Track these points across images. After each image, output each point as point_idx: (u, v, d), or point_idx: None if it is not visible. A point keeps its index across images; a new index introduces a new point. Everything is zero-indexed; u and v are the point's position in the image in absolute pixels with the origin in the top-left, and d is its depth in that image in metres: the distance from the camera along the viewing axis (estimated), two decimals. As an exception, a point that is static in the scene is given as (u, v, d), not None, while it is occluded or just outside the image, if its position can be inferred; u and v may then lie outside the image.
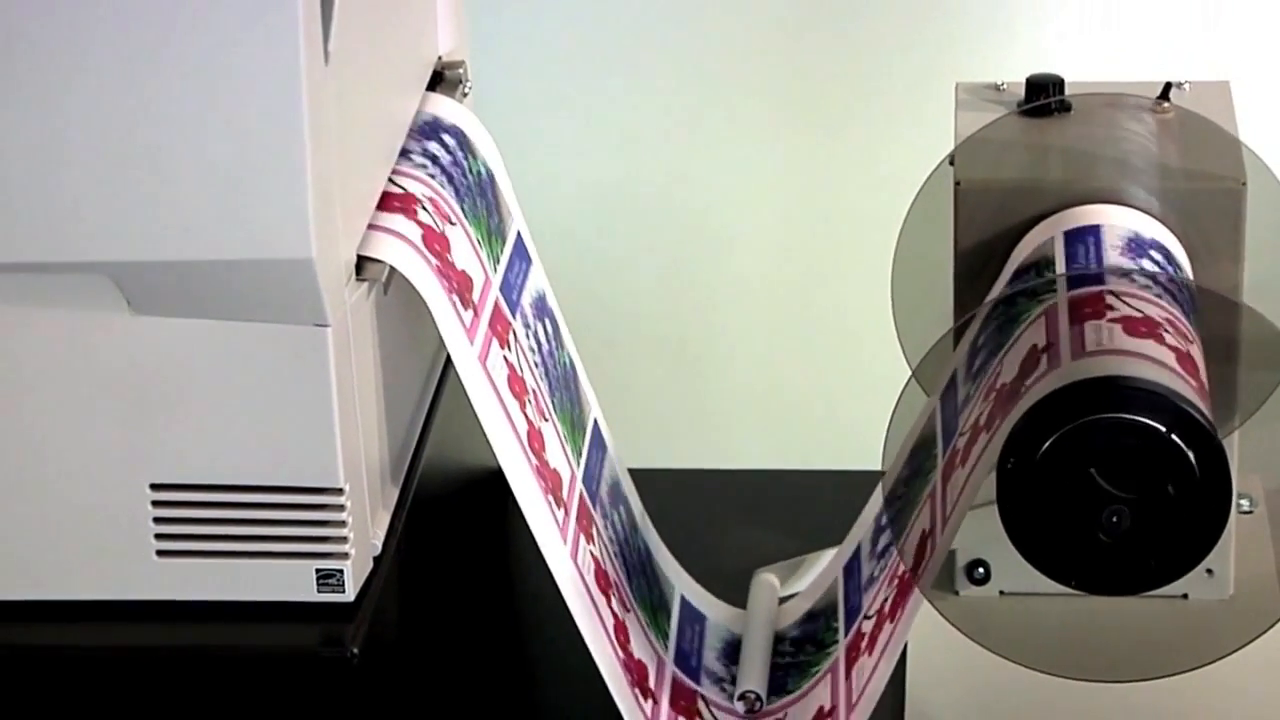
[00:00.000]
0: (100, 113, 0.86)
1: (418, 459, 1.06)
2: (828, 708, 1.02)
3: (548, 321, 1.13)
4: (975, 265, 1.03)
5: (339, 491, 0.92)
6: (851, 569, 1.09)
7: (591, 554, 1.05)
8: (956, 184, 1.02)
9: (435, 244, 1.01)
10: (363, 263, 0.95)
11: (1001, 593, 1.02)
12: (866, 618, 1.04)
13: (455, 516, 1.14)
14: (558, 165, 1.38)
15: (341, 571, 0.94)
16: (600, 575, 1.04)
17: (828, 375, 1.46)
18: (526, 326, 1.09)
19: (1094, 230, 1.00)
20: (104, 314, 0.90)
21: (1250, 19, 1.36)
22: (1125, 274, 0.96)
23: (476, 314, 1.03)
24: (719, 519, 1.23)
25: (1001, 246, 1.03)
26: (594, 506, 1.09)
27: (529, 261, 1.12)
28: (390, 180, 1.03)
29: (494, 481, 1.02)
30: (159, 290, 0.90)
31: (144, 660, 0.93)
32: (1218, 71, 1.17)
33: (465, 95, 1.15)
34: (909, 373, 1.01)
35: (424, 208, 1.02)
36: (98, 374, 0.92)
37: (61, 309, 0.91)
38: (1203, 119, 1.05)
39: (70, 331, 0.91)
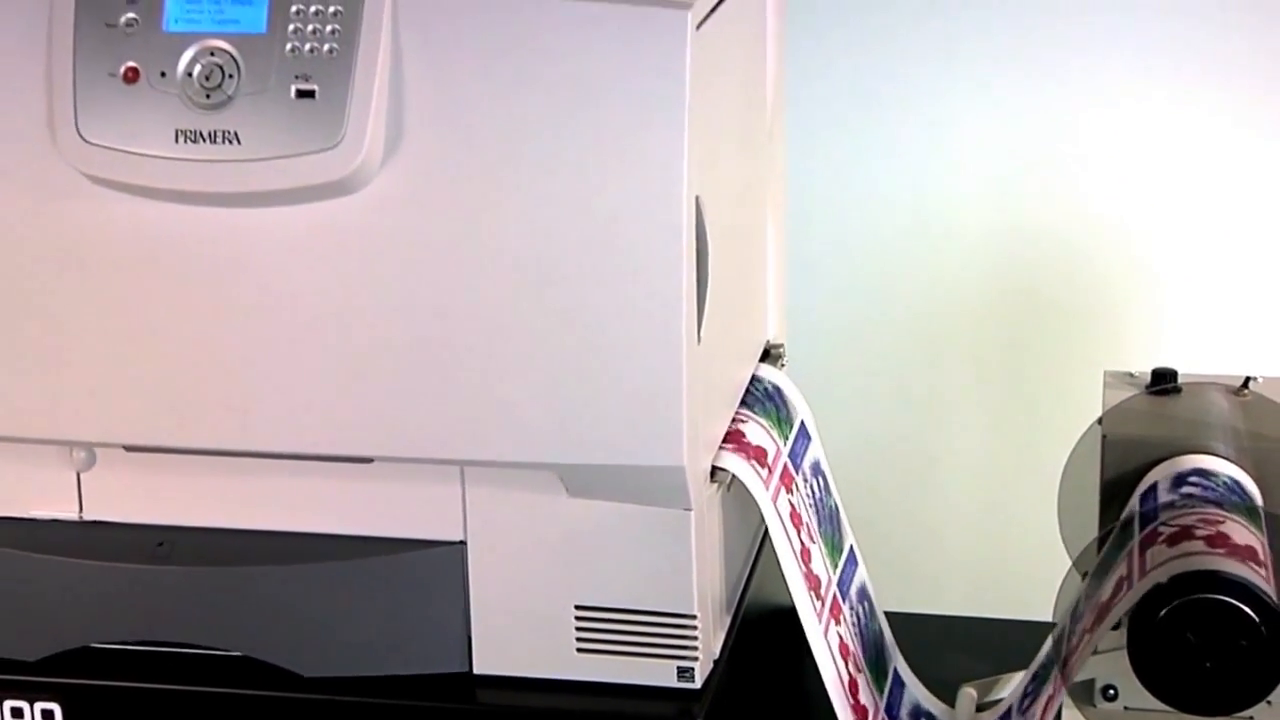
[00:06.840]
0: (558, 376, 1.02)
1: (743, 598, 1.18)
2: None
3: (821, 478, 1.22)
4: (1114, 492, 1.13)
5: (694, 617, 1.08)
6: None
7: (839, 635, 1.16)
8: (1103, 437, 1.13)
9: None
10: (715, 471, 1.11)
11: (1126, 708, 1.06)
12: None
13: (766, 637, 1.24)
14: (836, 417, 1.41)
15: (693, 668, 1.09)
16: (844, 648, 1.14)
17: (1016, 561, 1.55)
18: (805, 481, 1.18)
19: (1200, 471, 1.09)
20: (550, 496, 1.07)
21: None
22: (1219, 503, 1.07)
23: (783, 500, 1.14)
24: (932, 649, 1.32)
25: (1132, 481, 1.13)
26: (843, 600, 1.19)
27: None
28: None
29: (790, 615, 1.14)
30: (587, 482, 1.06)
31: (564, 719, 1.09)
32: (1283, 368, 1.29)
33: (783, 366, 1.28)
34: (1069, 562, 1.13)
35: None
36: (544, 533, 1.08)
37: (525, 492, 1.07)
38: (1271, 401, 1.17)
39: (527, 507, 1.07)
